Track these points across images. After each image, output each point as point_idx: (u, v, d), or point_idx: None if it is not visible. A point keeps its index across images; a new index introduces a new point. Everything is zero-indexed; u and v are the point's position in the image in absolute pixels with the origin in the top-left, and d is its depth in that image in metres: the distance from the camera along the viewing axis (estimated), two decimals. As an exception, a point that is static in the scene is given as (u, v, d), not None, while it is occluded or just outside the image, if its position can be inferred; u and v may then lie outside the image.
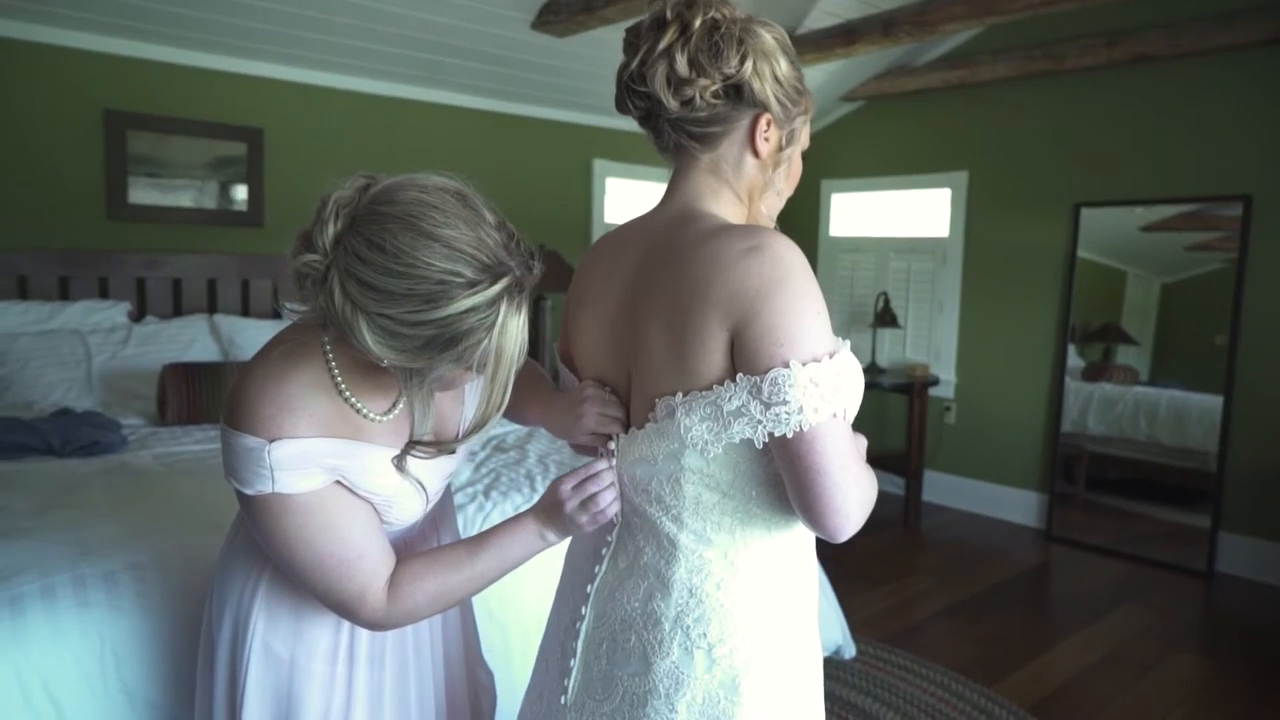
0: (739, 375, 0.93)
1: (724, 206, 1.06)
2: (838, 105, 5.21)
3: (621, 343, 1.06)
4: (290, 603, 1.15)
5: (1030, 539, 4.43)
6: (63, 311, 3.15)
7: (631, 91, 1.04)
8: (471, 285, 0.91)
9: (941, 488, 4.92)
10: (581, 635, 1.09)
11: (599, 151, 4.84)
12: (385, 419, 1.09)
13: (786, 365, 0.90)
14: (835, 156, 5.39)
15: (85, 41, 3.28)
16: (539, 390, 1.23)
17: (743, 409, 0.92)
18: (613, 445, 1.08)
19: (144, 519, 1.73)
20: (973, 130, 4.72)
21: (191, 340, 3.22)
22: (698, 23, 1.00)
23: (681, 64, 1.00)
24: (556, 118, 4.63)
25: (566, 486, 1.08)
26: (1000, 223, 4.64)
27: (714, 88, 1.01)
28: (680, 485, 1.01)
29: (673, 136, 1.06)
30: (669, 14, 1.01)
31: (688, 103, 1.01)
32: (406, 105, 4.11)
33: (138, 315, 3.40)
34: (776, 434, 0.91)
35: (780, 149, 1.06)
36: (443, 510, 1.36)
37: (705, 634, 1.00)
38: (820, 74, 4.68)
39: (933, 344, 4.96)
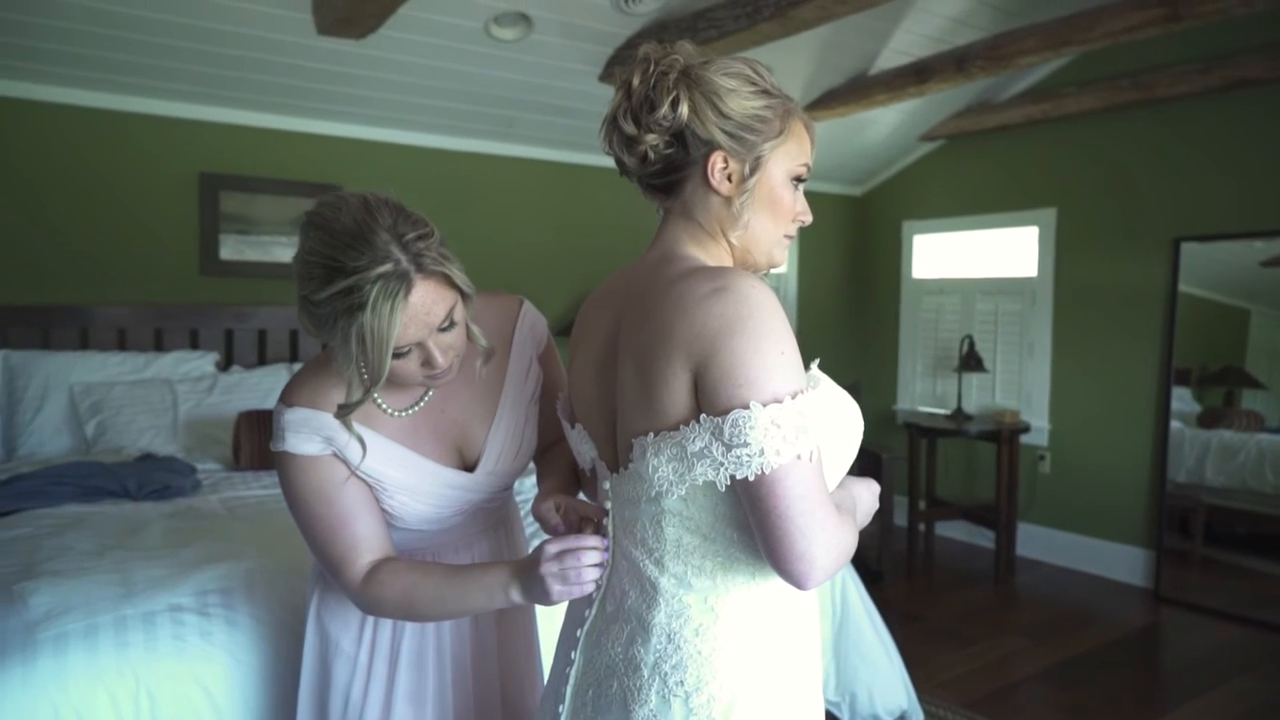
0: (702, 416, 0.92)
1: (703, 248, 1.07)
2: (916, 145, 5.11)
3: (606, 384, 1.07)
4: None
5: (1136, 598, 4.11)
6: (156, 362, 3.34)
7: (613, 154, 1.10)
8: (348, 269, 1.06)
9: (1036, 541, 4.63)
10: (570, 680, 1.08)
11: (672, 199, 4.85)
12: (399, 414, 1.25)
13: (747, 406, 0.88)
14: (916, 197, 5.27)
15: (183, 110, 3.52)
16: (552, 479, 1.31)
17: (705, 450, 0.91)
18: (607, 523, 1.08)
19: (191, 562, 1.78)
20: (1060, 166, 4.53)
21: (272, 389, 3.35)
22: (636, 82, 1.04)
23: (628, 125, 1.04)
24: (629, 167, 4.68)
25: (551, 549, 1.08)
26: (1092, 260, 4.41)
27: (660, 140, 1.03)
28: (661, 527, 1.00)
29: (645, 191, 1.11)
30: (619, 79, 1.06)
31: (643, 160, 1.05)
32: (480, 159, 4.23)
33: (224, 365, 3.57)
34: (738, 476, 0.90)
35: (744, 180, 1.04)
36: (487, 544, 1.40)
37: (682, 681, 0.97)
38: (895, 114, 4.60)
39: (1023, 389, 4.72)
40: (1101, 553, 4.39)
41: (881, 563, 4.21)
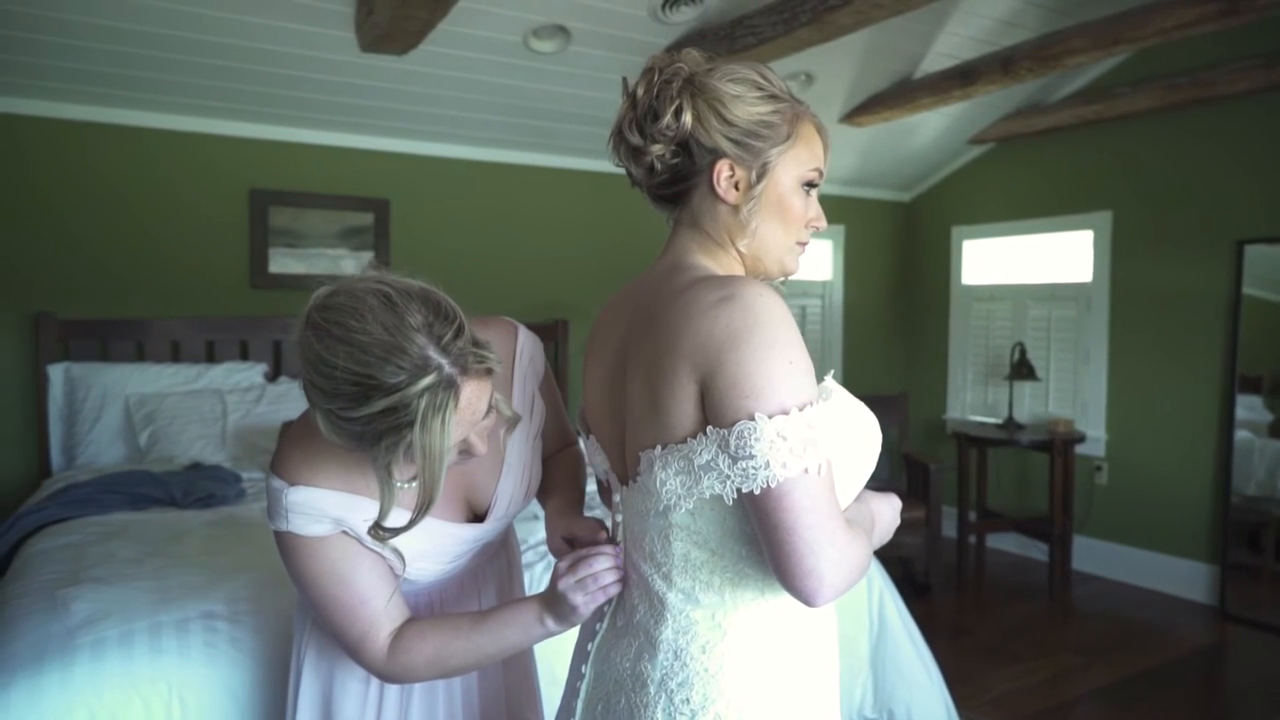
0: (708, 428, 0.90)
1: (712, 258, 1.05)
2: (965, 149, 5.01)
3: (616, 397, 1.06)
4: None
5: (1200, 616, 3.94)
6: (207, 373, 3.43)
7: (621, 165, 1.09)
8: (387, 387, 0.94)
9: (1093, 555, 4.47)
10: (581, 695, 1.08)
11: (715, 207, 4.84)
12: (409, 485, 1.13)
13: (752, 418, 0.86)
14: (965, 202, 5.16)
15: (234, 129, 3.62)
16: (555, 496, 1.28)
17: (711, 463, 0.89)
18: (619, 517, 1.08)
19: (225, 569, 1.82)
20: (1115, 168, 4.39)
21: (317, 399, 3.41)
22: (640, 92, 1.03)
23: (633, 136, 1.03)
24: (671, 176, 4.67)
25: (562, 565, 1.07)
26: (1150, 264, 4.27)
27: (666, 150, 1.02)
28: (669, 542, 0.99)
29: (653, 201, 1.10)
30: (625, 90, 1.05)
31: (650, 170, 1.04)
32: (521, 170, 4.27)
33: (273, 375, 3.65)
34: (744, 490, 0.88)
35: (750, 187, 1.02)
36: (492, 570, 1.37)
37: (688, 700, 0.95)
38: (943, 118, 4.51)
39: (1078, 397, 4.58)
40: (1162, 567, 4.23)
41: (929, 575, 4.12)
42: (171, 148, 3.52)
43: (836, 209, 5.16)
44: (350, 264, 3.87)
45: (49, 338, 3.25)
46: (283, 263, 3.76)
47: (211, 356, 3.58)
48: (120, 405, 3.23)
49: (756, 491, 0.87)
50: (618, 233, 4.53)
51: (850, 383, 5.28)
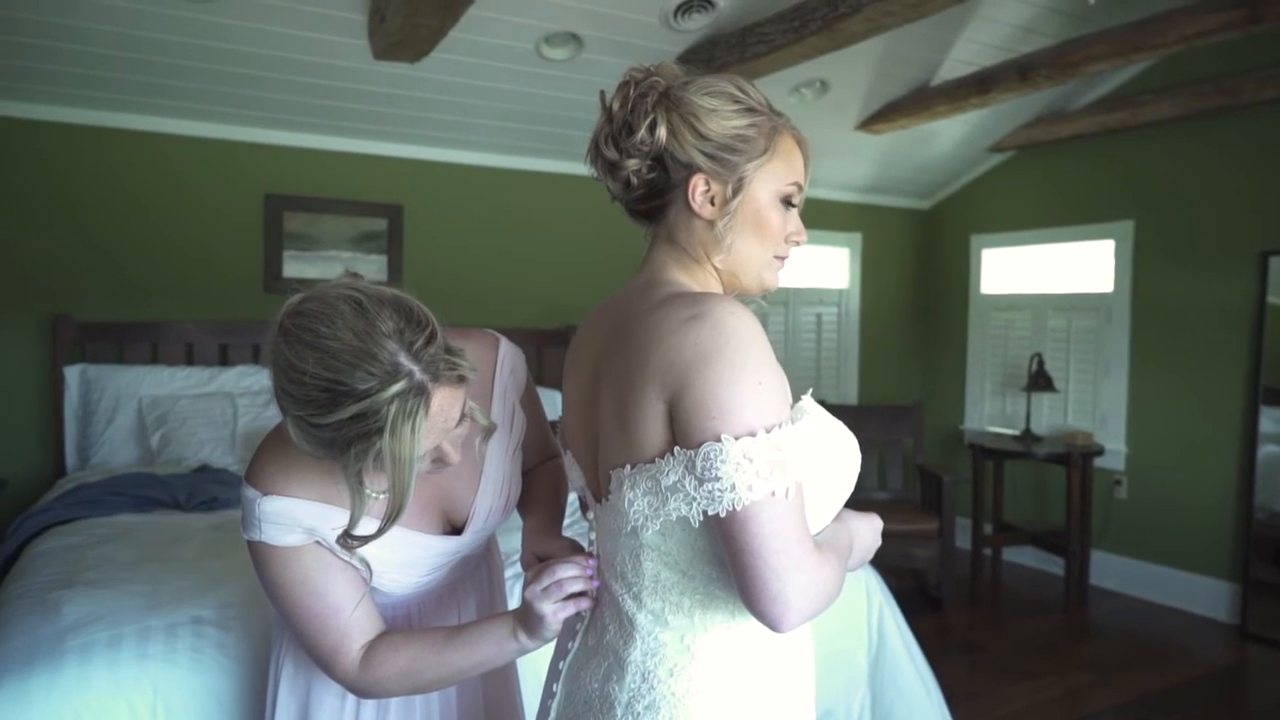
0: (675, 449, 0.89)
1: (689, 273, 1.04)
2: (985, 157, 4.94)
3: (591, 413, 1.05)
4: None
5: (1219, 634, 3.85)
6: (220, 376, 3.46)
7: (599, 180, 1.08)
8: (357, 393, 0.94)
9: (1111, 570, 4.39)
10: (552, 713, 1.07)
11: (730, 214, 4.81)
12: (383, 495, 1.10)
13: (719, 439, 0.85)
14: (985, 210, 5.10)
15: (249, 134, 3.65)
16: (533, 513, 1.27)
17: (678, 484, 0.88)
18: (593, 535, 1.07)
19: (217, 574, 1.83)
20: (1138, 176, 4.32)
21: (328, 403, 3.44)
22: (615, 106, 1.01)
23: (609, 151, 1.02)
24: (686, 182, 4.66)
25: (529, 574, 1.07)
26: (1173, 275, 4.19)
27: (641, 164, 1.01)
28: (640, 562, 0.97)
29: (630, 216, 1.09)
30: (603, 104, 1.03)
31: (627, 185, 1.03)
32: (534, 176, 4.27)
33: (285, 379, 3.68)
34: (710, 512, 0.86)
35: (727, 202, 1.00)
36: (472, 584, 1.36)
37: None
38: (962, 126, 4.46)
39: (1098, 409, 4.50)
40: (1182, 584, 4.14)
41: (942, 589, 4.06)
42: (188, 153, 3.57)
43: (853, 216, 5.12)
44: (364, 269, 3.89)
45: (66, 340, 3.30)
46: (297, 267, 3.79)
47: (225, 359, 3.61)
48: (133, 407, 3.27)
49: (722, 514, 0.85)
50: (629, 239, 4.48)
51: (866, 391, 5.23)
